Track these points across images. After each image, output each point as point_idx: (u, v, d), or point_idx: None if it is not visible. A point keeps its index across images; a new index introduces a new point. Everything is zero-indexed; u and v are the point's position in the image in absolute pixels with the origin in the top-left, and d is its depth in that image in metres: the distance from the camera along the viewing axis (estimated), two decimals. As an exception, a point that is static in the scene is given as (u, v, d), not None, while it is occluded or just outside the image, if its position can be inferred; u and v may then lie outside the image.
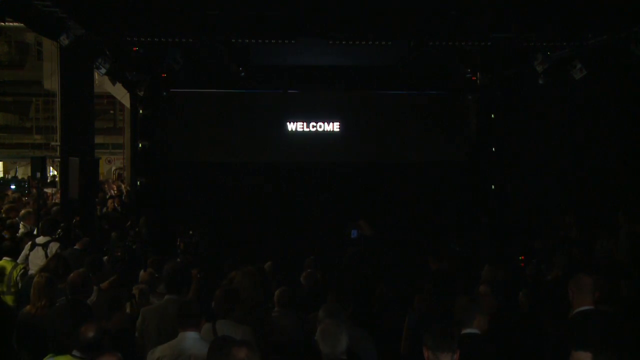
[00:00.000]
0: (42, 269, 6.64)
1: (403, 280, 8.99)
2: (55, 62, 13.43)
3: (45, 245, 8.36)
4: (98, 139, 17.61)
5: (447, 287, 5.87)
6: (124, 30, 10.18)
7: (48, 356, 4.41)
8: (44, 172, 11.69)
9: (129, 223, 13.11)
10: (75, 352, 4.38)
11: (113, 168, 29.42)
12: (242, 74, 10.99)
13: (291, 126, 15.24)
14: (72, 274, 5.66)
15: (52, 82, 19.00)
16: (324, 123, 15.27)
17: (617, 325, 5.09)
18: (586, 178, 12.08)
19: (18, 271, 7.41)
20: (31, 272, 7.51)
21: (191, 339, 4.74)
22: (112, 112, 27.96)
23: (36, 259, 8.13)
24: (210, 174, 14.52)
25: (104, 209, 14.81)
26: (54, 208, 12.63)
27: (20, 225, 10.15)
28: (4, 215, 11.48)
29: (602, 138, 11.27)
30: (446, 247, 11.99)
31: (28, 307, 5.73)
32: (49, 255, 8.09)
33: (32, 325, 5.45)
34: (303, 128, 15.27)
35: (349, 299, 5.62)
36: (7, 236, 9.24)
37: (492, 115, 15.26)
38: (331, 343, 4.29)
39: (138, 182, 14.56)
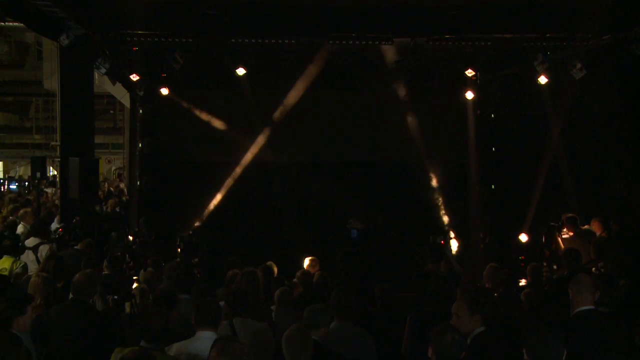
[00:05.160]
0: (41, 270, 6.66)
1: (403, 280, 9.01)
2: (55, 62, 13.43)
3: (35, 248, 8.37)
4: (98, 139, 17.62)
5: (449, 287, 5.87)
6: (124, 30, 10.18)
7: (116, 350, 4.45)
8: (44, 172, 11.70)
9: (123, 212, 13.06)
10: (142, 343, 4.43)
11: (113, 168, 29.44)
12: (242, 73, 10.97)
13: (291, 125, 15.23)
14: (77, 275, 5.69)
15: (52, 82, 19.01)
16: (323, 122, 15.26)
17: (617, 324, 5.09)
18: (585, 178, 12.08)
19: (17, 265, 7.45)
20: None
21: (208, 339, 4.72)
22: (112, 112, 27.96)
23: (27, 262, 8.13)
24: (209, 174, 14.50)
25: (105, 209, 14.81)
26: (54, 209, 12.64)
27: (20, 225, 10.16)
28: (6, 215, 11.49)
29: (601, 138, 11.27)
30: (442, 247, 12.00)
31: None
32: (40, 258, 8.12)
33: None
34: (303, 127, 15.26)
35: (350, 298, 5.62)
36: (6, 234, 9.27)
37: (492, 115, 15.26)
38: (294, 352, 4.25)
39: (138, 182, 14.56)
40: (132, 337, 4.79)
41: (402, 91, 14.46)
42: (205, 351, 4.65)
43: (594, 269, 8.27)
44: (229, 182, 14.74)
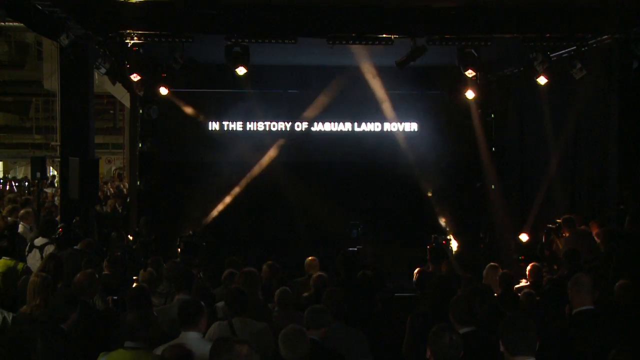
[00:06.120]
0: (41, 270, 6.67)
1: (404, 280, 9.01)
2: (55, 62, 13.41)
3: (42, 248, 8.39)
4: (98, 139, 17.61)
5: (450, 288, 5.86)
6: (124, 30, 10.18)
7: (101, 355, 4.45)
8: (44, 172, 11.68)
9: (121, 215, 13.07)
10: (127, 344, 4.44)
11: (113, 168, 29.43)
12: (242, 73, 10.95)
13: (292, 125, 15.25)
14: (78, 275, 5.69)
15: (52, 82, 19.01)
16: (323, 123, 15.28)
17: (617, 324, 5.09)
18: (585, 178, 12.07)
19: (21, 267, 7.47)
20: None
21: (192, 339, 4.75)
22: (112, 112, 27.96)
23: (34, 261, 8.15)
24: (209, 174, 14.51)
25: (105, 209, 14.80)
26: (53, 209, 12.63)
27: (20, 225, 10.16)
28: (5, 215, 11.47)
29: (601, 138, 11.27)
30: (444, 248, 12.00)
31: (24, 307, 5.77)
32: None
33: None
34: (304, 127, 15.28)
35: (340, 299, 5.62)
36: (6, 233, 9.29)
37: (492, 115, 15.27)
38: (291, 348, 4.28)
39: (138, 182, 14.56)
40: (117, 338, 4.77)
41: (402, 91, 14.50)
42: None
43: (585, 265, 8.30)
44: (229, 182, 14.75)
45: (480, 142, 15.06)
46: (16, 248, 8.20)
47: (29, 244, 8.59)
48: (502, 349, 4.07)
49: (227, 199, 14.93)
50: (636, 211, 9.46)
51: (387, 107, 14.92)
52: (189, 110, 14.77)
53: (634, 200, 10.01)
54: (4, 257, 7.59)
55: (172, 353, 4.43)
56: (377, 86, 14.06)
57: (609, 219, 10.39)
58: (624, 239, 8.86)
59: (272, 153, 15.12)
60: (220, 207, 14.92)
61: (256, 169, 15.00)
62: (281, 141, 15.15)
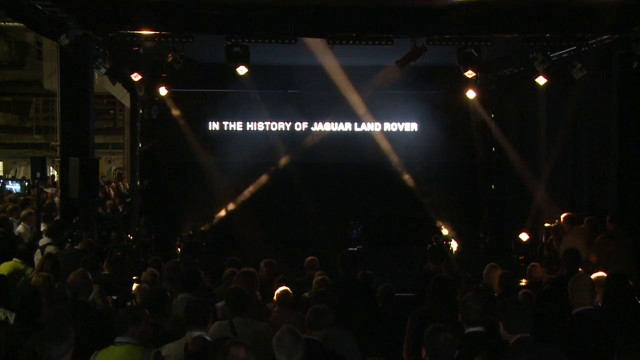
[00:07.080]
0: (40, 269, 6.69)
1: (405, 280, 9.00)
2: (55, 62, 13.42)
3: (43, 248, 8.42)
4: (98, 139, 17.63)
5: (450, 288, 5.85)
6: (124, 30, 10.20)
7: (93, 354, 4.45)
8: (44, 172, 11.69)
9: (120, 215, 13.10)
10: (117, 339, 4.47)
11: (113, 168, 29.39)
12: (243, 73, 10.95)
13: (291, 126, 15.25)
14: (72, 274, 5.67)
15: (52, 82, 19.03)
16: (324, 123, 15.28)
17: (617, 324, 5.09)
18: (585, 178, 12.08)
19: (29, 272, 7.48)
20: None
21: None
22: (112, 112, 27.93)
23: (36, 261, 8.17)
24: (209, 174, 14.52)
25: (106, 209, 14.80)
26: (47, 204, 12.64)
27: (20, 226, 10.17)
28: (5, 215, 11.47)
29: (601, 138, 11.28)
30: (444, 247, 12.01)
31: None
32: None
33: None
34: (304, 128, 15.28)
35: (333, 299, 5.61)
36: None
37: (492, 115, 15.28)
38: (287, 354, 4.17)
39: (138, 182, 14.57)
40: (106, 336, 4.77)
41: (402, 91, 14.51)
42: None
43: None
44: (229, 182, 14.75)
45: (480, 142, 15.11)
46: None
47: (35, 244, 8.63)
48: (501, 329, 4.35)
49: (227, 199, 14.93)
50: (616, 211, 9.47)
51: (386, 106, 14.94)
52: (188, 110, 14.77)
53: (633, 200, 10.02)
54: (15, 259, 7.60)
55: (196, 344, 4.46)
56: (377, 86, 14.06)
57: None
58: (608, 239, 8.86)
59: (271, 153, 15.12)
60: (220, 206, 14.92)
61: (256, 169, 15.00)
62: (283, 141, 15.16)
